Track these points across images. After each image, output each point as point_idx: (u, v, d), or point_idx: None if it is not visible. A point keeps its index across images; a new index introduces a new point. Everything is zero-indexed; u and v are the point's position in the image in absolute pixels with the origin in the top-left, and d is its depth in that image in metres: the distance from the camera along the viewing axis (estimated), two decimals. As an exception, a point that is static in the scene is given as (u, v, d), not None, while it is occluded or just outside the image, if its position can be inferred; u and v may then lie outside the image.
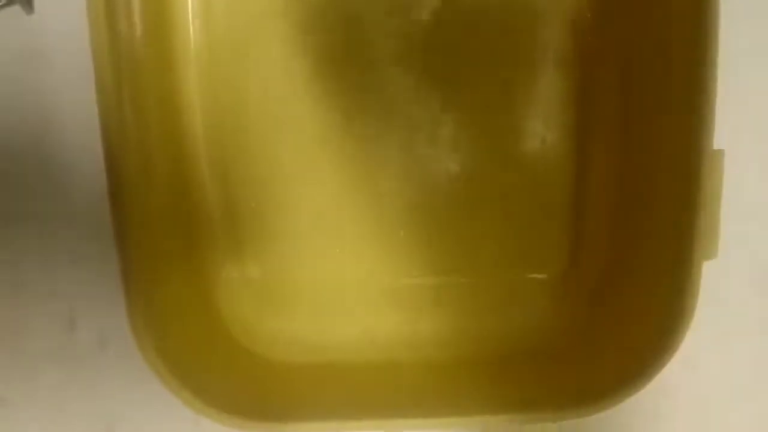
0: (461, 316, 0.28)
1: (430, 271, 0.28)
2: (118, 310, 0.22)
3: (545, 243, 0.28)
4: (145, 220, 0.23)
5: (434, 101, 0.27)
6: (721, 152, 0.23)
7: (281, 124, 0.27)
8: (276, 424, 0.23)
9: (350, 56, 0.26)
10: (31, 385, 0.26)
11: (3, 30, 0.25)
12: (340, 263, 0.27)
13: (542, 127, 0.27)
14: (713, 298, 0.24)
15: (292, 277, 0.27)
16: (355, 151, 0.27)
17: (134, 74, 0.23)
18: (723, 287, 0.26)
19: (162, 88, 0.25)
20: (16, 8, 0.25)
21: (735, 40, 0.23)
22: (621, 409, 0.23)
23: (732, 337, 0.27)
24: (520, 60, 0.27)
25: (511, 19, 0.26)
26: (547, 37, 0.26)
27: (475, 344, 0.27)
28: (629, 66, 0.26)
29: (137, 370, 0.23)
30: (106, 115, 0.22)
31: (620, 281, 0.27)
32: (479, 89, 0.27)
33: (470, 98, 0.27)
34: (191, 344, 0.25)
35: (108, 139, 0.22)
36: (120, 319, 0.22)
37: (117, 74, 0.22)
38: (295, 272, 0.27)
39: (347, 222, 0.27)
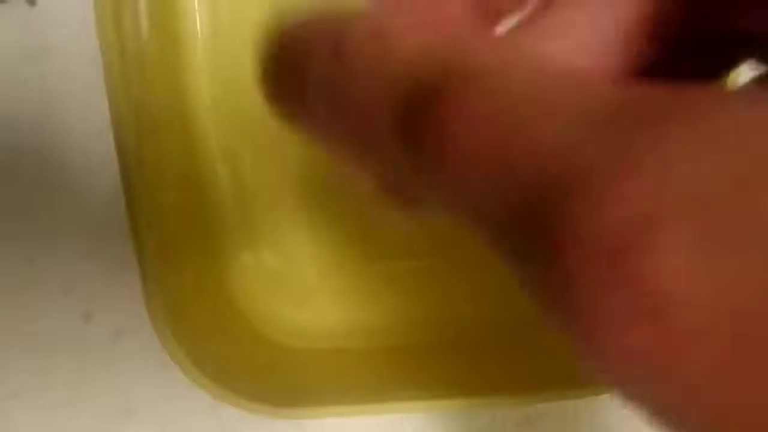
0: (470, 299, 0.28)
1: (440, 254, 0.28)
2: (133, 302, 0.23)
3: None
4: (160, 211, 0.24)
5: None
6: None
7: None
8: (293, 408, 0.24)
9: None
10: (48, 377, 0.26)
11: (10, 28, 0.25)
12: (355, 249, 0.28)
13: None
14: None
15: (307, 263, 0.28)
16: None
17: (142, 68, 0.24)
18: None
19: (171, 80, 0.25)
20: (21, 6, 0.25)
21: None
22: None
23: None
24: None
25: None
26: None
27: (478, 326, 0.28)
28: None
29: (153, 359, 0.23)
30: (118, 112, 0.23)
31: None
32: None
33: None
34: (208, 331, 0.25)
35: (120, 134, 0.23)
36: (135, 310, 0.22)
37: (124, 70, 0.23)
38: (309, 259, 0.28)
39: (360, 208, 0.27)
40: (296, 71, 0.11)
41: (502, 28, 0.12)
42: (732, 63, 0.12)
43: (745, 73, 0.12)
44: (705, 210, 0.07)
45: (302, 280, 0.28)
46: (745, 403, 0.07)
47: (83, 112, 0.26)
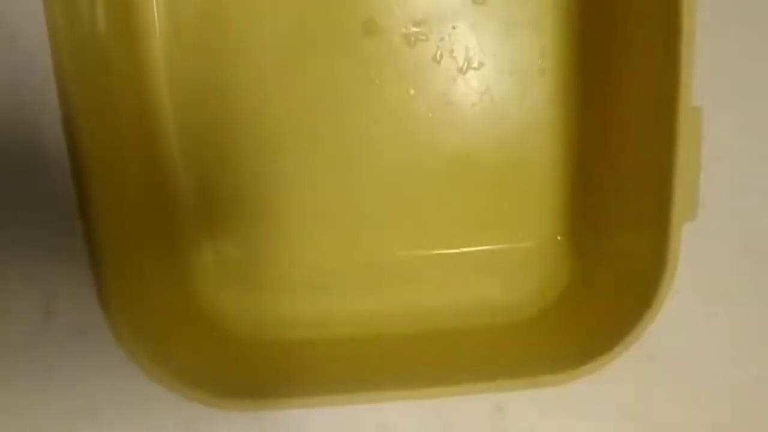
0: (447, 288, 0.28)
1: (412, 246, 0.27)
2: (95, 299, 0.22)
3: (531, 213, 0.27)
4: (117, 206, 0.23)
5: (415, 78, 0.26)
6: (698, 109, 0.22)
7: (254, 105, 0.26)
8: (257, 402, 0.23)
9: (326, 32, 0.26)
10: (9, 376, 0.26)
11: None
12: (318, 241, 0.27)
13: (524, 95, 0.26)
14: (697, 261, 0.23)
15: (270, 255, 0.27)
16: (329, 131, 0.26)
17: (96, 58, 0.23)
18: (706, 250, 0.26)
19: (128, 70, 0.25)
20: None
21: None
22: (605, 375, 0.23)
23: (715, 300, 0.27)
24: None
25: None
26: None
27: (460, 315, 0.27)
28: (611, 25, 0.25)
29: (116, 357, 0.23)
30: (67, 102, 0.22)
31: (602, 246, 0.26)
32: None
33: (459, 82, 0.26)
34: (169, 327, 0.25)
35: (72, 128, 0.22)
36: (96, 308, 0.22)
37: (78, 61, 0.22)
38: (272, 251, 0.27)
39: (324, 200, 0.27)
40: None
41: None
42: None
43: None
44: None
45: (264, 273, 0.27)
46: None
47: (42, 107, 0.25)
